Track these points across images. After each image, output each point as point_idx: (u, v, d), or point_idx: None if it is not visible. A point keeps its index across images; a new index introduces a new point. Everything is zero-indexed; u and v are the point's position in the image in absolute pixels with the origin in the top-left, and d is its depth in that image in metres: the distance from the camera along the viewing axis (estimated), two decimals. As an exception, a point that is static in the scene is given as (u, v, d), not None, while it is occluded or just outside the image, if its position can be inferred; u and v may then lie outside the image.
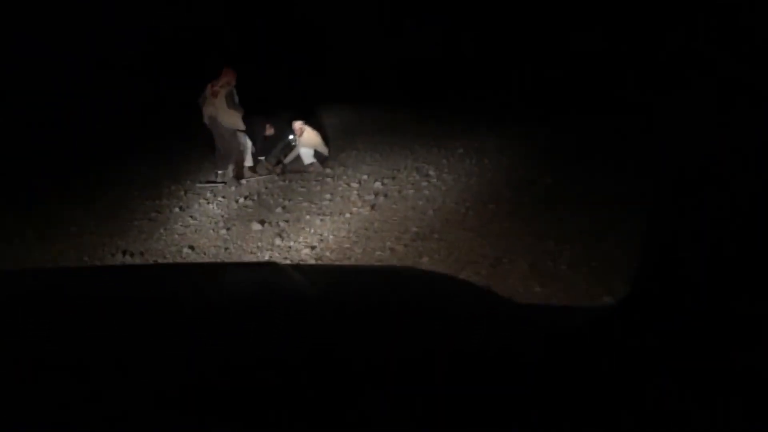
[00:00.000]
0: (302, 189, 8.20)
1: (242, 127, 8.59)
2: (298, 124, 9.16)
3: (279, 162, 9.23)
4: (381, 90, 12.25)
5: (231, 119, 8.51)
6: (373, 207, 7.24)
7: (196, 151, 9.77)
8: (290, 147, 9.17)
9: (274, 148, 9.22)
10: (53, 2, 11.93)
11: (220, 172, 8.80)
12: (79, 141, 10.24)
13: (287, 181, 8.62)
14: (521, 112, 10.60)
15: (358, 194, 7.76)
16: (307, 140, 9.11)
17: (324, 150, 9.31)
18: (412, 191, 7.66)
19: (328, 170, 8.84)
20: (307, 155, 9.11)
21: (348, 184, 8.11)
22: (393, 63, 13.16)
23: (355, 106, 12.17)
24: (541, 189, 7.28)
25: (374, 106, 12.12)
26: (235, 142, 8.74)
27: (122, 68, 12.73)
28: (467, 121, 10.59)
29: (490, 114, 10.65)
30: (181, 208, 7.83)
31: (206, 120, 8.62)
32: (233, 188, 8.49)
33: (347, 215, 7.13)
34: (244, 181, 8.68)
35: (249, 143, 9.05)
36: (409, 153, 9.31)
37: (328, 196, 7.80)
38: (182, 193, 8.35)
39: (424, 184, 7.89)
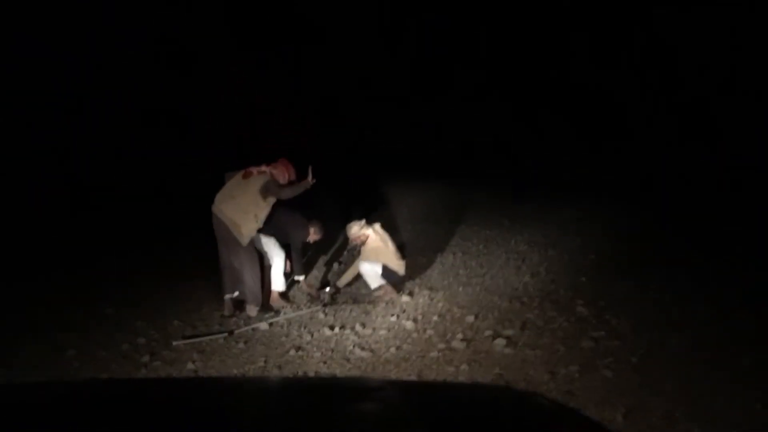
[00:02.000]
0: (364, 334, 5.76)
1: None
2: (355, 229, 6.72)
3: (327, 284, 7.04)
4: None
5: (252, 218, 6.24)
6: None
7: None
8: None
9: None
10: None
11: (227, 297, 6.43)
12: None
13: (335, 324, 6.19)
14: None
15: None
16: (372, 252, 6.63)
17: (398, 266, 6.67)
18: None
19: (405, 298, 6.54)
20: (372, 275, 6.61)
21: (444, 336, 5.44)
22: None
23: (419, 187, 10.60)
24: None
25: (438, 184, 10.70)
26: (253, 260, 6.41)
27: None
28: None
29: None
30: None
31: (217, 212, 6.28)
32: (250, 331, 5.94)
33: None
34: (263, 323, 6.06)
35: (281, 257, 6.75)
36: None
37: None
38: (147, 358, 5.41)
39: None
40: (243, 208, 6.20)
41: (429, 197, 10.57)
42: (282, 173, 6.47)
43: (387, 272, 6.62)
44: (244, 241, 6.23)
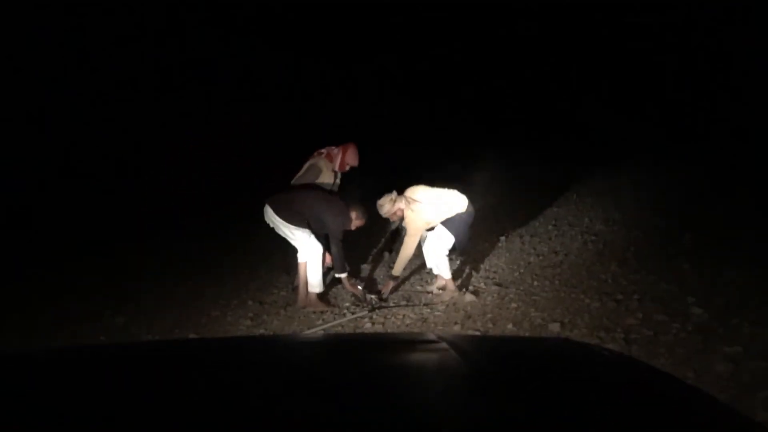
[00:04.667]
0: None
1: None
2: (387, 206, 5.44)
3: (374, 285, 5.89)
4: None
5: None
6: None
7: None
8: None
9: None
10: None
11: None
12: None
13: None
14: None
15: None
16: (416, 222, 5.45)
17: (459, 207, 5.48)
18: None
19: (469, 297, 5.35)
20: (435, 253, 5.59)
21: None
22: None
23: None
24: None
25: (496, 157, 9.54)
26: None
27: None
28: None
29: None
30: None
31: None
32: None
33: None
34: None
35: (318, 251, 5.64)
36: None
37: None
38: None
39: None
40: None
41: (486, 173, 9.38)
42: (337, 156, 5.81)
43: (453, 227, 5.47)
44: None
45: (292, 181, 5.81)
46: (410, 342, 1.74)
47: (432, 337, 1.66)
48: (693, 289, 4.83)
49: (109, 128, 9.86)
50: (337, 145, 5.86)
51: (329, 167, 5.83)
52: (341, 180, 5.98)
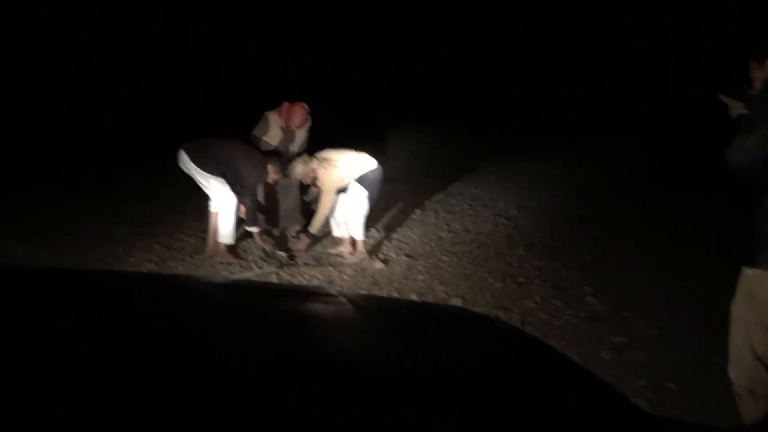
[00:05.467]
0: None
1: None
2: (300, 167, 5.56)
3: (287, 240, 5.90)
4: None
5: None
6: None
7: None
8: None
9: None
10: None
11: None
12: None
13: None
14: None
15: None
16: (330, 182, 5.51)
17: (368, 164, 5.60)
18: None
19: (378, 265, 5.40)
20: (338, 217, 5.74)
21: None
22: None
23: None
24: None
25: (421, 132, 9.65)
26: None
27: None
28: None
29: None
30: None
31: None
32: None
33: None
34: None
35: (232, 202, 5.45)
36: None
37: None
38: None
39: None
40: None
41: (409, 145, 9.42)
42: (285, 113, 5.85)
43: (366, 183, 5.56)
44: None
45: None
46: (309, 293, 1.76)
47: (332, 291, 1.68)
48: (591, 280, 5.03)
49: (109, 128, 9.52)
50: (293, 102, 5.91)
51: (278, 123, 5.86)
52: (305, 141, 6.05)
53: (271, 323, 1.25)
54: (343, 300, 1.51)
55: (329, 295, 1.63)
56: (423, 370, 1.02)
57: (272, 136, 5.86)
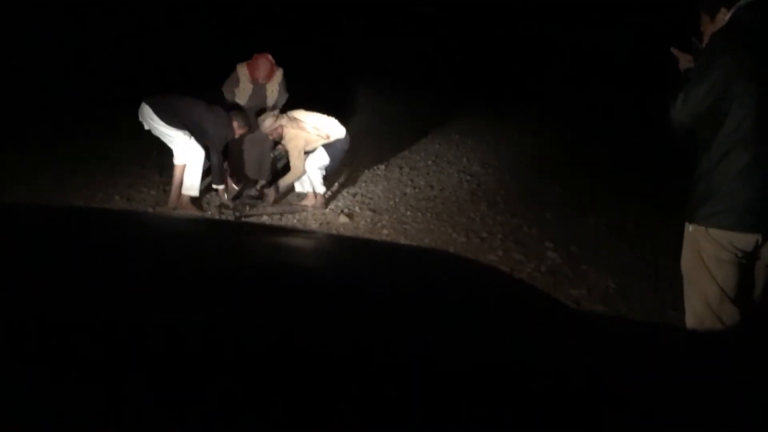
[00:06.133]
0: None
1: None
2: (269, 121, 5.56)
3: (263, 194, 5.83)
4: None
5: None
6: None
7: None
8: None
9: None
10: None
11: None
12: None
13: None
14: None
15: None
16: (295, 141, 5.54)
17: (336, 133, 5.69)
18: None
19: (343, 219, 5.41)
20: (305, 176, 5.71)
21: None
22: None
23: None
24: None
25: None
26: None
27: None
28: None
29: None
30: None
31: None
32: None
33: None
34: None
35: (200, 153, 5.43)
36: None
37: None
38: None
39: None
40: None
41: (374, 102, 9.37)
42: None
43: (331, 151, 5.68)
44: None
45: None
46: (288, 230, 1.76)
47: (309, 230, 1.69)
48: (552, 236, 5.14)
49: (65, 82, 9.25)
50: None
51: (247, 76, 5.80)
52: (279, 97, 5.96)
53: (249, 248, 1.24)
54: (320, 235, 1.52)
55: (310, 231, 1.65)
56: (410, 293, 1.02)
57: (242, 91, 5.77)
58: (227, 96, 5.76)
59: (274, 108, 5.82)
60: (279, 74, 5.90)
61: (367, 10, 13.18)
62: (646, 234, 5.10)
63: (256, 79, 5.80)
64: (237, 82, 5.78)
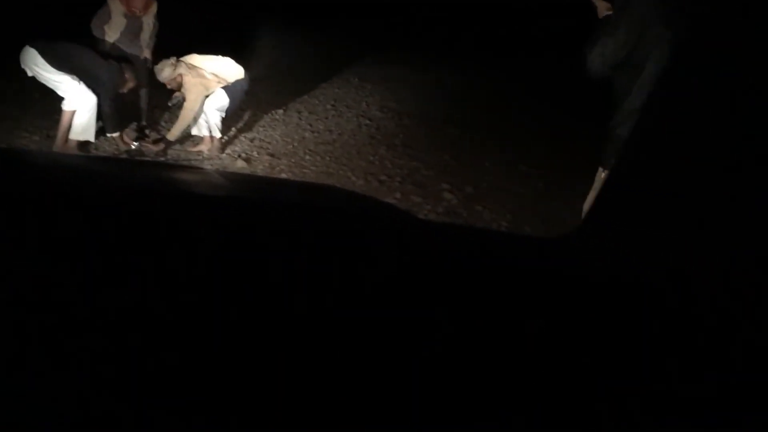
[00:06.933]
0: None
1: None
2: (167, 71, 5.32)
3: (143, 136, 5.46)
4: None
5: None
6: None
7: None
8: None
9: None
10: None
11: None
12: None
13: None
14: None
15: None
16: (195, 88, 5.32)
17: (236, 74, 5.51)
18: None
19: (240, 163, 5.36)
20: (202, 119, 5.49)
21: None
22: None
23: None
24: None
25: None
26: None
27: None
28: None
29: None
30: None
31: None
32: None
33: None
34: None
35: (92, 98, 5.09)
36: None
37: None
38: None
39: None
40: None
41: (272, 44, 9.12)
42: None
43: (230, 92, 5.48)
44: None
45: None
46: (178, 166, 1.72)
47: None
48: (449, 178, 5.25)
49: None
50: None
51: (120, 9, 5.31)
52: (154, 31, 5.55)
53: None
54: (216, 174, 1.49)
55: (200, 168, 1.62)
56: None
57: (114, 25, 5.34)
58: (95, 33, 5.33)
59: (151, 42, 5.52)
60: (155, 6, 5.56)
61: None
62: (545, 174, 5.29)
63: (134, 12, 5.41)
64: (109, 16, 5.35)
